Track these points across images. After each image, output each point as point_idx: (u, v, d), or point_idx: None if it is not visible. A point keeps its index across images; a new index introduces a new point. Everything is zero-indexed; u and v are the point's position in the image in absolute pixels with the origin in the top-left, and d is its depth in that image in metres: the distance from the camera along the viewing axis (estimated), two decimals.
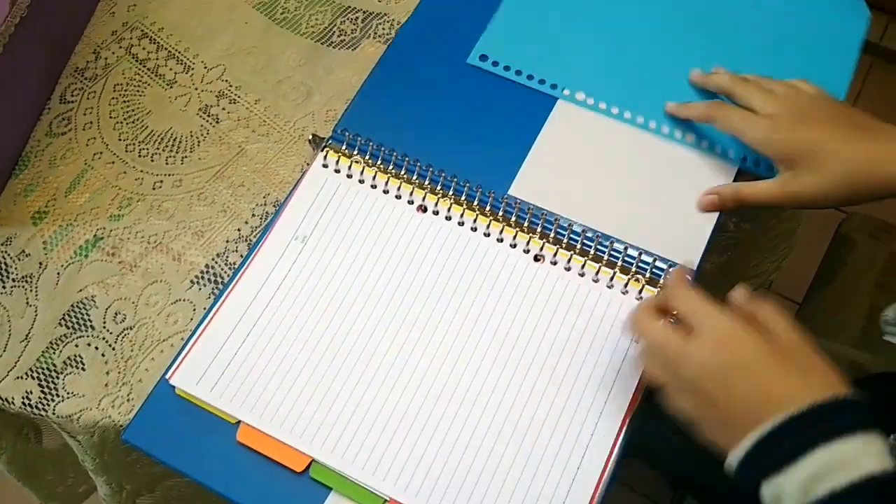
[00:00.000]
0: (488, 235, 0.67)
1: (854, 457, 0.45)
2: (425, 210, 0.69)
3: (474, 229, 0.68)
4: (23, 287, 0.72)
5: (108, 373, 0.68)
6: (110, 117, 0.79)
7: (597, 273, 0.65)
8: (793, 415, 0.47)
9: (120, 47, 0.83)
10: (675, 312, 0.56)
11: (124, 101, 0.80)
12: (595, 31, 0.77)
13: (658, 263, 0.65)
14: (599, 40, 0.77)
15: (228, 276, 0.71)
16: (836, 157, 0.60)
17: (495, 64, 0.76)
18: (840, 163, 0.60)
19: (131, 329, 0.69)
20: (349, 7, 0.84)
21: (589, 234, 0.66)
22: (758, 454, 0.48)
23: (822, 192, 0.61)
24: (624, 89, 0.74)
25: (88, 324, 0.69)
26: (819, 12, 0.77)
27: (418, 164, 0.70)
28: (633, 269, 0.65)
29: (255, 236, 0.72)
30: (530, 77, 0.75)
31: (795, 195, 0.62)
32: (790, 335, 0.52)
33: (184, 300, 0.70)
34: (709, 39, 0.76)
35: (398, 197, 0.69)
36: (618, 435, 0.59)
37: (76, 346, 0.69)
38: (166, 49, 0.83)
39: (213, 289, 0.70)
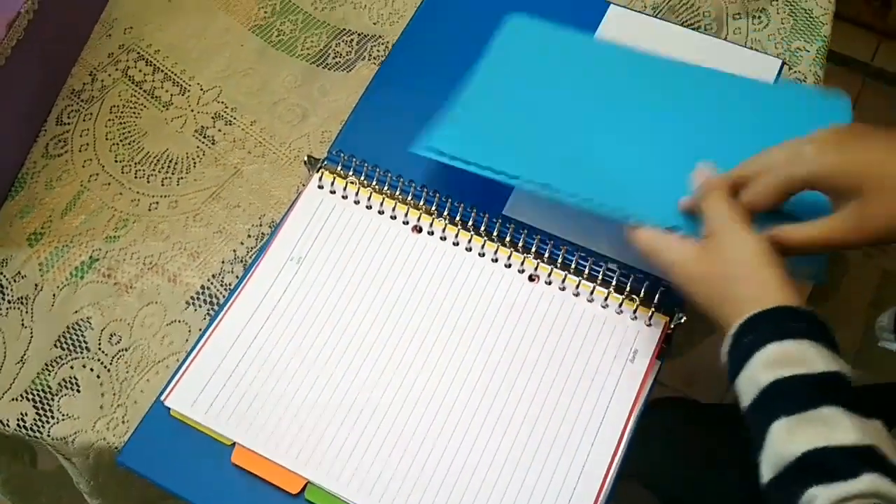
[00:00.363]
0: (483, 255, 0.67)
1: (803, 356, 0.49)
2: (420, 230, 0.69)
3: (469, 249, 0.68)
4: (18, 309, 0.72)
5: (103, 394, 0.67)
6: (106, 139, 0.80)
7: (591, 293, 0.65)
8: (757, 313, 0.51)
9: (116, 69, 0.84)
10: None
11: (120, 123, 0.80)
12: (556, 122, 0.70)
13: (652, 284, 0.65)
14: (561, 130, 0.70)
15: (224, 297, 0.71)
16: None
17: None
18: None
19: (126, 350, 0.69)
20: (344, 29, 0.85)
21: (583, 255, 0.66)
22: (733, 346, 0.52)
23: None
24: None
25: (84, 345, 0.69)
26: (798, 110, 0.69)
27: (413, 184, 0.70)
28: (627, 289, 0.65)
29: (250, 257, 0.73)
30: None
31: (870, 228, 0.51)
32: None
33: (179, 321, 0.70)
34: (679, 129, 0.69)
35: (393, 217, 0.70)
36: (614, 455, 0.59)
37: (71, 367, 0.69)
38: (162, 71, 0.83)
39: (208, 310, 0.70)
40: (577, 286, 0.65)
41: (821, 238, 0.53)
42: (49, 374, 0.69)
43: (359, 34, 0.84)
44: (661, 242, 0.59)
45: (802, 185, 0.54)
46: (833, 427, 0.46)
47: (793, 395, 0.48)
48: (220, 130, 0.80)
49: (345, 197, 0.71)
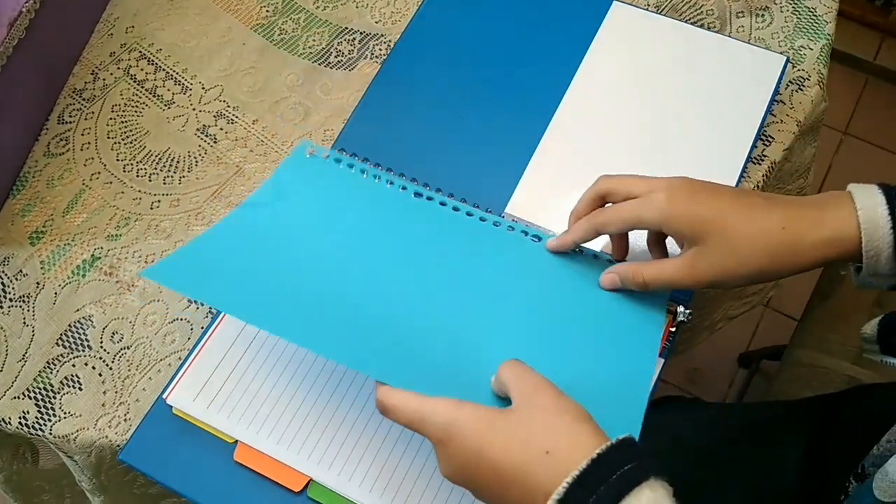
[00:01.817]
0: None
1: None
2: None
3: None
4: (20, 307, 0.72)
5: (105, 392, 0.67)
6: (108, 137, 0.80)
7: None
8: (574, 477, 0.44)
9: (118, 68, 0.84)
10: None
11: (122, 122, 0.80)
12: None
13: None
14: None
15: None
16: (748, 222, 0.54)
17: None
18: (753, 228, 0.54)
19: (128, 349, 0.69)
20: (346, 28, 0.85)
21: (585, 253, 0.66)
22: None
23: (732, 268, 0.54)
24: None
25: (85, 343, 0.69)
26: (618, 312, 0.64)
27: (415, 182, 0.70)
28: None
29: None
30: None
31: (701, 274, 0.55)
32: (523, 381, 0.50)
33: (181, 319, 0.70)
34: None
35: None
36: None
37: (73, 365, 0.69)
38: (164, 70, 0.83)
39: (210, 308, 0.70)
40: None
41: (661, 277, 0.58)
42: (51, 372, 0.69)
43: (361, 33, 0.84)
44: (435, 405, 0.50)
45: (650, 227, 0.58)
46: None
47: None
48: (221, 129, 0.80)
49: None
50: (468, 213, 0.68)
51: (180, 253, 0.63)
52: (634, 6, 0.80)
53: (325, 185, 0.69)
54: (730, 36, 0.81)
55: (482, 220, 0.67)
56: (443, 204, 0.68)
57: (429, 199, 0.68)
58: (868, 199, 0.53)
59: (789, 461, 0.76)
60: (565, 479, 0.44)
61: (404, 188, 0.69)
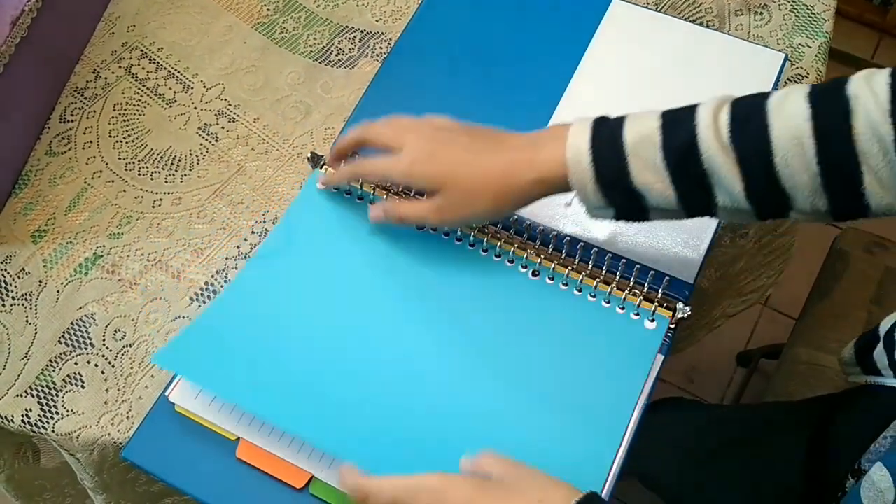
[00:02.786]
0: (486, 251, 0.68)
1: None
2: (422, 227, 0.69)
3: (472, 245, 0.68)
4: (22, 305, 0.72)
5: (107, 390, 0.68)
6: (110, 136, 0.80)
7: (594, 288, 0.65)
8: None
9: (120, 67, 0.84)
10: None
11: (124, 120, 0.81)
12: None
13: (655, 278, 0.65)
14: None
15: None
16: (474, 174, 0.61)
17: None
18: (478, 179, 0.61)
19: (131, 346, 0.69)
20: (347, 27, 0.85)
21: (587, 250, 0.66)
22: None
23: (468, 212, 0.62)
24: None
25: (88, 341, 0.70)
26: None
27: None
28: (631, 283, 0.65)
29: (254, 253, 0.73)
30: None
31: (445, 215, 0.62)
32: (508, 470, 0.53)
33: (183, 317, 0.70)
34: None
35: None
36: (618, 450, 0.60)
37: (76, 363, 0.69)
38: (166, 68, 0.83)
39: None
40: (581, 280, 0.65)
41: (414, 214, 0.64)
42: (53, 371, 0.69)
43: (361, 31, 0.85)
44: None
45: (398, 184, 0.68)
46: None
47: None
48: (223, 127, 0.80)
49: (348, 192, 0.71)
50: (470, 244, 0.69)
51: (189, 333, 0.64)
52: (634, 4, 0.81)
53: (332, 229, 0.70)
54: (728, 34, 0.81)
55: (484, 250, 0.68)
56: (446, 234, 0.69)
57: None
58: (578, 136, 0.57)
59: (789, 462, 0.77)
60: None
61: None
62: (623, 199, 0.57)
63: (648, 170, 0.55)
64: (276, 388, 0.62)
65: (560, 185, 0.59)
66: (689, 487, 0.84)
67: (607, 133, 0.57)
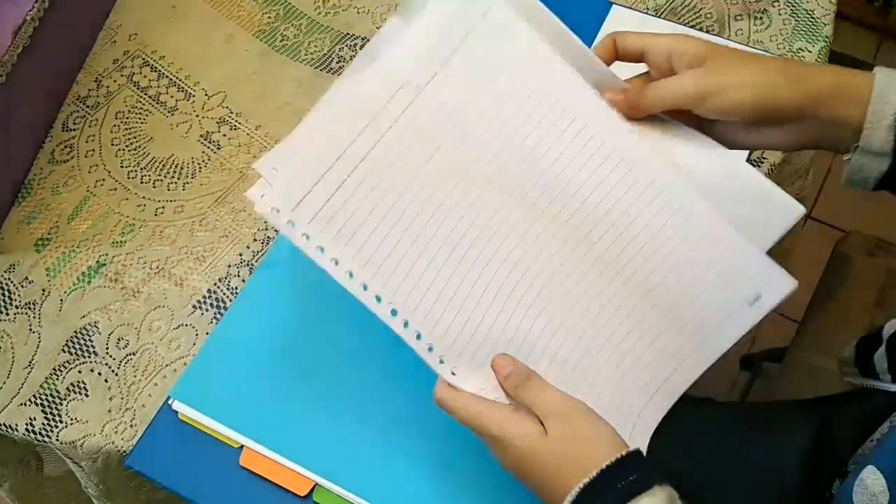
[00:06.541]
0: None
1: None
2: None
3: None
4: (26, 314, 0.72)
5: (111, 398, 0.68)
6: (112, 144, 0.80)
7: None
8: (585, 484, 0.48)
9: (121, 75, 0.84)
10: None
11: (126, 129, 0.81)
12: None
13: None
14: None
15: (231, 300, 0.71)
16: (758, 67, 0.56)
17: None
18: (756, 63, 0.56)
19: (134, 354, 0.69)
20: (348, 34, 0.85)
21: None
22: None
23: (743, 77, 0.55)
24: None
25: (91, 350, 0.70)
26: None
27: None
28: None
29: (256, 261, 0.73)
30: None
31: (709, 91, 0.55)
32: (560, 408, 0.52)
33: (186, 325, 0.70)
34: None
35: None
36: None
37: (79, 372, 0.69)
38: (167, 77, 0.84)
39: (215, 313, 0.71)
40: None
41: (672, 95, 0.57)
42: (57, 379, 0.69)
43: (362, 39, 0.85)
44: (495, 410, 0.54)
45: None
46: None
47: None
48: (225, 135, 0.80)
49: None
50: None
51: (197, 365, 0.64)
52: (634, 10, 0.81)
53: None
54: (728, 39, 0.82)
55: None
56: None
57: None
58: (889, 76, 0.56)
59: (791, 461, 0.77)
60: (577, 485, 0.48)
61: None
62: None
63: None
64: (293, 423, 0.62)
65: (852, 102, 0.56)
66: (697, 485, 0.85)
67: None
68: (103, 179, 0.78)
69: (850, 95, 0.56)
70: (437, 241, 0.54)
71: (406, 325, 0.53)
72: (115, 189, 0.78)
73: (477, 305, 0.54)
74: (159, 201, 0.77)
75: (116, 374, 0.69)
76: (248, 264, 0.73)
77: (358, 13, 0.86)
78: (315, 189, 0.53)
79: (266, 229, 0.75)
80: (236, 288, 0.72)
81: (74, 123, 0.82)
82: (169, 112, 0.82)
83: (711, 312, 0.58)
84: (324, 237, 0.53)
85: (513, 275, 0.55)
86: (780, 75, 0.55)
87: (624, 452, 0.49)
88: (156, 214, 0.76)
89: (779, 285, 0.58)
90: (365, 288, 0.53)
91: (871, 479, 0.55)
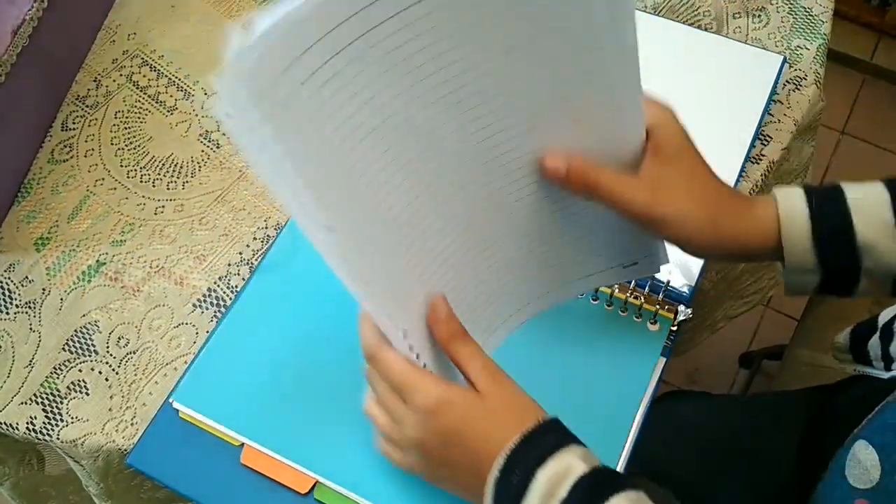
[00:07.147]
0: None
1: (567, 467, 0.47)
2: None
3: None
4: (26, 313, 0.72)
5: (111, 397, 0.68)
6: (112, 144, 0.80)
7: (596, 291, 0.66)
8: (509, 452, 0.48)
9: (121, 75, 0.84)
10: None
11: (125, 128, 0.81)
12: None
13: (657, 280, 0.65)
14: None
15: (230, 299, 0.71)
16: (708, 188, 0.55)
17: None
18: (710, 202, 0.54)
19: (134, 353, 0.69)
20: None
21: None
22: (498, 498, 0.48)
23: (686, 210, 0.53)
24: None
25: (92, 349, 0.70)
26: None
27: None
28: (633, 286, 0.65)
29: (256, 259, 0.73)
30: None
31: (651, 222, 0.53)
32: (483, 379, 0.51)
33: (186, 324, 0.70)
34: None
35: None
36: (621, 455, 0.60)
37: (80, 370, 0.69)
38: (167, 76, 0.84)
39: (215, 312, 0.71)
40: None
41: (622, 193, 0.53)
42: (58, 378, 0.69)
43: None
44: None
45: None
46: None
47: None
48: (224, 134, 0.80)
49: None
50: None
51: (199, 367, 0.65)
52: None
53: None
54: (727, 37, 0.82)
55: None
56: None
57: None
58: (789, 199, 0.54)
59: (787, 446, 0.77)
60: (501, 452, 0.48)
61: None
62: (837, 260, 0.53)
63: (873, 226, 0.52)
64: (293, 423, 0.62)
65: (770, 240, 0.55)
66: (692, 475, 0.85)
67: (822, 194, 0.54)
68: (103, 179, 0.78)
69: (759, 230, 0.55)
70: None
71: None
72: (115, 188, 0.78)
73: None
74: (159, 200, 0.77)
75: (117, 373, 0.69)
76: (247, 263, 0.73)
77: None
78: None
79: (266, 228, 0.75)
80: (236, 286, 0.72)
81: (74, 123, 0.82)
82: (168, 111, 0.82)
83: (588, 261, 0.58)
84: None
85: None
86: (706, 223, 0.53)
87: (550, 416, 0.50)
88: (155, 213, 0.76)
89: (656, 259, 0.59)
90: None
91: (863, 453, 0.56)
